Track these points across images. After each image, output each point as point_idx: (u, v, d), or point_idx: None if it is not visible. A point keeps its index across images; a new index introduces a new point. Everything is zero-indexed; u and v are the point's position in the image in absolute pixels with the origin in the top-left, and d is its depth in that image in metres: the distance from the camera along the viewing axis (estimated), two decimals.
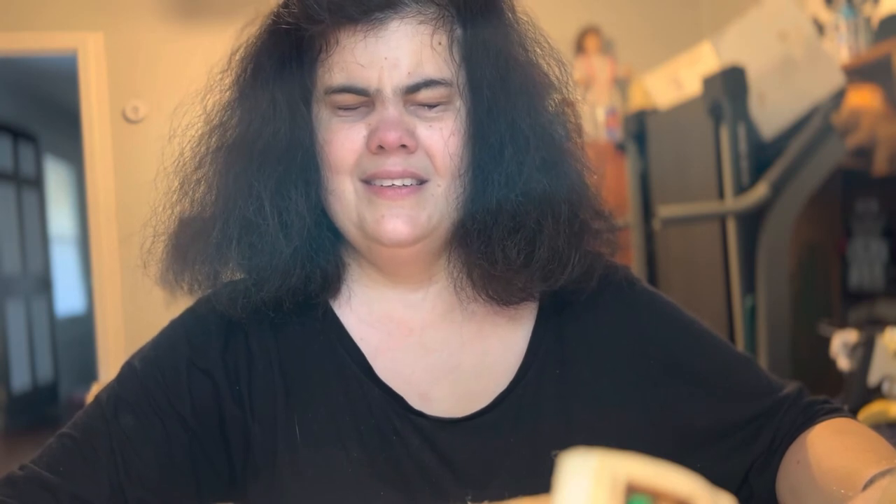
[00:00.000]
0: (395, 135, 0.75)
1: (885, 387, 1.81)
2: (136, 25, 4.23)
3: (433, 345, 0.84)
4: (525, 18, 0.83)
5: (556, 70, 0.84)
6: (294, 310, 0.82)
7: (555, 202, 0.79)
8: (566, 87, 0.84)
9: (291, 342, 0.83)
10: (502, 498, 0.71)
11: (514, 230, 0.78)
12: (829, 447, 0.77)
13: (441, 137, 0.77)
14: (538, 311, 0.86)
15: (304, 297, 0.82)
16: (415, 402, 0.82)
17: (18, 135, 6.74)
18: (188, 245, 0.83)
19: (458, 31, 0.78)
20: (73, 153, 6.86)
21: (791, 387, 0.87)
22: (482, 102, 0.78)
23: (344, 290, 0.86)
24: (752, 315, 2.42)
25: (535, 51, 0.83)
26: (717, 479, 0.72)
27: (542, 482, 0.72)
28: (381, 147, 0.75)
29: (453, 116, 0.77)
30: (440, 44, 0.76)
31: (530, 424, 0.81)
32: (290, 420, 0.80)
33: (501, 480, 0.79)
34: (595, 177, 0.86)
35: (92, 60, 4.21)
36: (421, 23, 0.76)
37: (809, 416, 0.84)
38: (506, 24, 0.82)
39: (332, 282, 0.84)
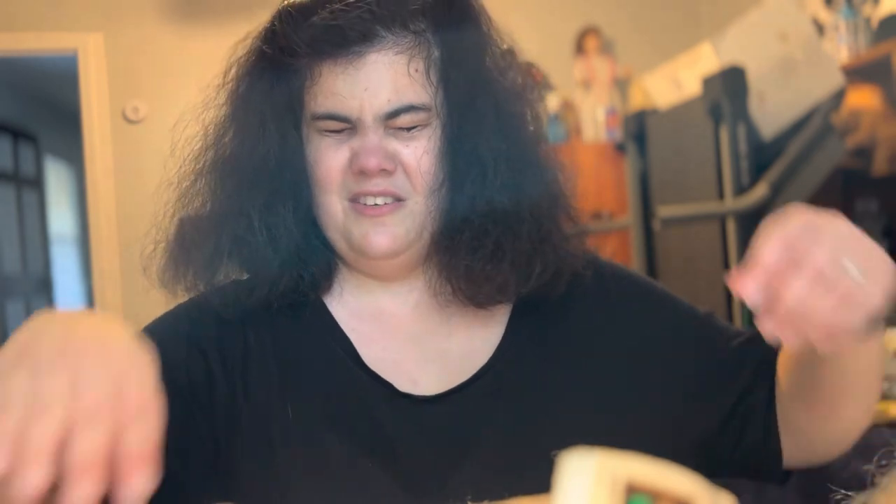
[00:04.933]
0: (374, 161, 0.81)
1: (885, 387, 1.81)
2: (136, 26, 4.24)
3: (422, 334, 0.89)
4: (497, 28, 0.88)
5: (526, 78, 0.89)
6: (288, 304, 0.87)
7: (520, 218, 0.84)
8: (537, 94, 0.90)
9: (286, 333, 0.88)
10: (490, 476, 0.78)
11: (478, 245, 0.84)
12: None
13: (416, 157, 0.82)
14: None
15: (295, 296, 0.87)
16: (403, 387, 0.86)
17: (18, 135, 6.74)
18: (185, 255, 0.88)
19: (436, 54, 0.83)
20: (73, 153, 6.86)
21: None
22: (454, 123, 0.84)
23: (336, 286, 0.91)
24: (751, 315, 2.42)
25: (507, 61, 0.88)
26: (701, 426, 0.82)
27: (524, 451, 0.81)
28: (362, 172, 0.81)
29: (429, 136, 0.83)
30: (417, 70, 0.81)
31: (510, 396, 0.85)
32: (284, 405, 0.84)
33: (485, 451, 0.83)
34: (570, 180, 0.90)
35: (92, 60, 4.20)
36: (397, 53, 0.81)
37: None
38: (482, 37, 0.87)
39: (322, 281, 0.89)
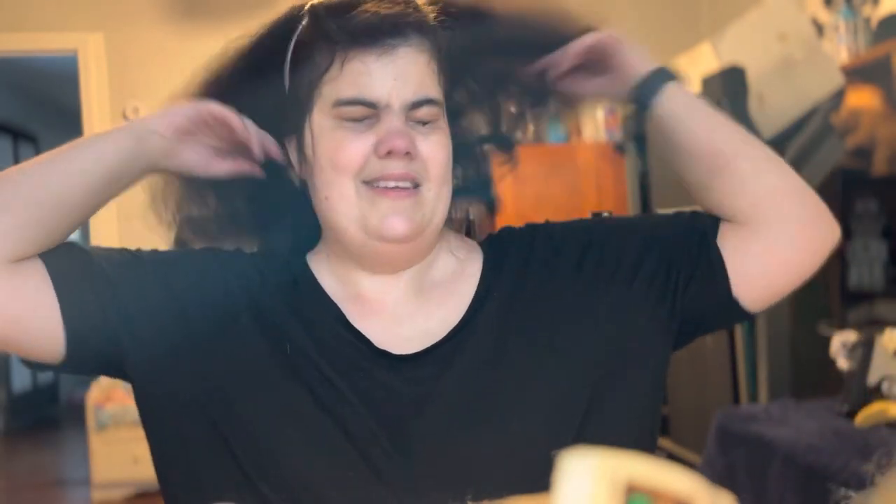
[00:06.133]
0: (403, 142, 0.86)
1: (885, 387, 1.82)
2: (136, 26, 4.24)
3: (403, 318, 0.93)
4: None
5: None
6: (281, 276, 0.94)
7: None
8: None
9: (283, 297, 0.93)
10: (456, 424, 0.86)
11: None
12: None
13: (435, 149, 0.89)
14: (482, 265, 0.97)
15: (284, 273, 0.94)
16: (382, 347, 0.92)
17: (18, 135, 6.75)
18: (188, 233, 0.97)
19: (443, 65, 0.92)
20: None
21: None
22: (457, 126, 0.95)
23: (323, 266, 0.95)
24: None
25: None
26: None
27: (486, 404, 0.87)
28: (389, 153, 0.86)
29: (442, 132, 0.91)
30: (434, 71, 0.91)
31: (474, 356, 0.91)
32: (282, 347, 0.90)
33: (450, 400, 0.88)
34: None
35: (92, 61, 4.21)
36: (421, 52, 0.89)
37: None
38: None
39: (310, 256, 0.96)
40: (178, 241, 0.98)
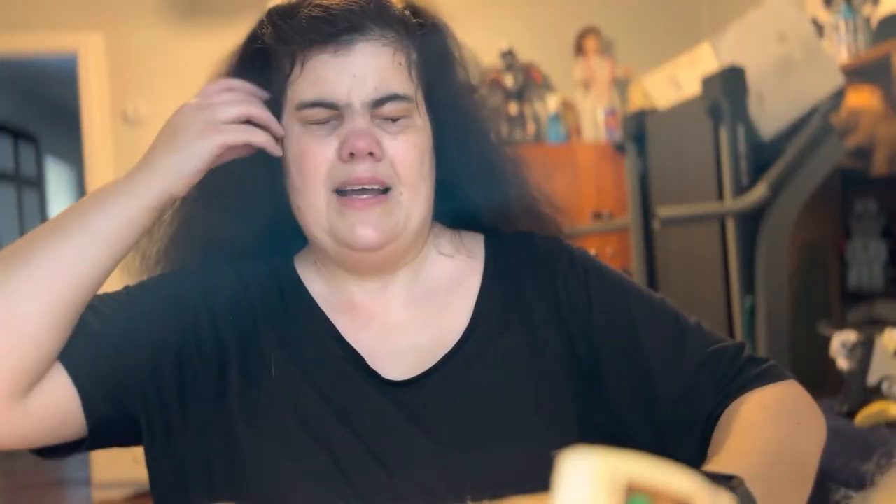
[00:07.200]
0: (364, 143, 0.82)
1: (885, 387, 1.82)
2: (136, 26, 4.24)
3: (395, 329, 0.90)
4: (460, 43, 0.94)
5: (483, 87, 0.98)
6: (270, 284, 0.92)
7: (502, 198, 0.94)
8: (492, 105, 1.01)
9: (272, 311, 0.91)
10: (454, 454, 0.82)
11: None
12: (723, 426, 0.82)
13: (403, 149, 0.85)
14: (481, 280, 0.94)
15: (272, 279, 0.92)
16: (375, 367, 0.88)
17: (19, 135, 6.74)
18: (177, 253, 0.94)
19: (414, 56, 0.88)
20: (73, 154, 6.87)
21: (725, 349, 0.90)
22: (440, 119, 0.90)
23: (313, 271, 0.93)
24: (751, 315, 2.42)
25: (470, 72, 0.95)
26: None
27: (481, 433, 0.83)
28: (351, 155, 0.83)
29: (414, 130, 0.86)
30: (400, 64, 0.86)
31: (470, 382, 0.87)
32: (267, 366, 0.86)
33: (448, 429, 0.85)
34: (535, 171, 0.98)
35: (92, 61, 4.21)
36: (384, 45, 0.85)
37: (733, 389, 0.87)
38: (450, 48, 0.93)
39: (298, 265, 0.94)
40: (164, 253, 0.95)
